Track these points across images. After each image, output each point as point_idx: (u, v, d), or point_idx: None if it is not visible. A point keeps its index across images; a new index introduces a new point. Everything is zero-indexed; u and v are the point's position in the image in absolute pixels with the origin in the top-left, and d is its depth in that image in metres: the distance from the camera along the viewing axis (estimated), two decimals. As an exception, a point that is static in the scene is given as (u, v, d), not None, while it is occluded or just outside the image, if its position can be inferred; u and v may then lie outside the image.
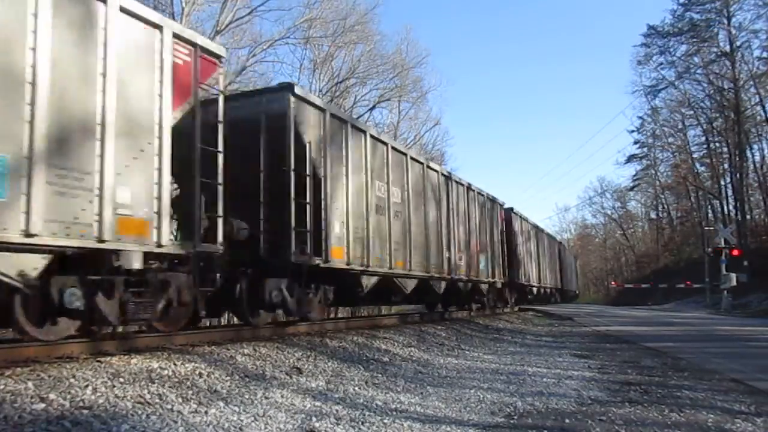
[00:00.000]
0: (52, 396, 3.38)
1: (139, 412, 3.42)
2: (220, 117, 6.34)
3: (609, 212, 64.26)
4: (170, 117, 5.65)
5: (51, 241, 4.42)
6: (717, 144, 39.25)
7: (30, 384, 3.51)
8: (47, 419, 3.03)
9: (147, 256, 5.29)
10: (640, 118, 46.97)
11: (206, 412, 3.67)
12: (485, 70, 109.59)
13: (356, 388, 4.99)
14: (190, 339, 6.10)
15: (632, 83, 71.83)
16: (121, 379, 3.96)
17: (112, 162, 4.93)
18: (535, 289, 23.55)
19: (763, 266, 26.85)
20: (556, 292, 30.12)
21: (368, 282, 9.14)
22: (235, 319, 9.15)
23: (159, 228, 5.37)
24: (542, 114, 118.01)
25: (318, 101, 8.31)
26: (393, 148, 10.26)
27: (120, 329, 5.71)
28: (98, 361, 4.41)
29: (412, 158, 11.02)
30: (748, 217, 35.54)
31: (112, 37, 5.02)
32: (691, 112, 39.96)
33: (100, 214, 4.78)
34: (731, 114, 34.20)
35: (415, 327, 10.17)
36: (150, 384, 4.00)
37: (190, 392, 4.04)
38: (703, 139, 40.70)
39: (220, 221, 6.16)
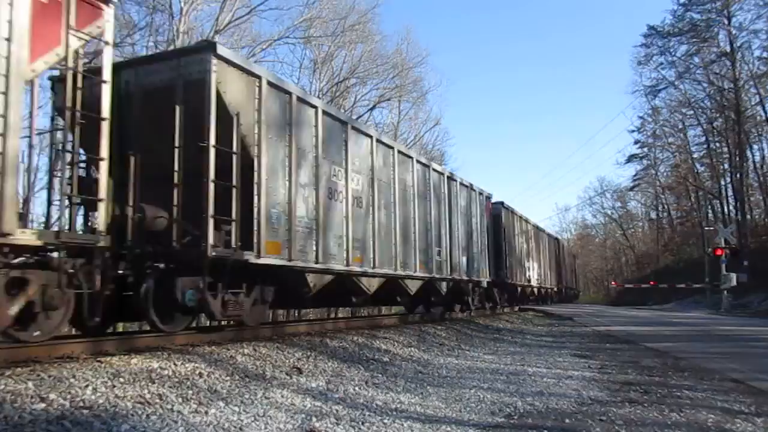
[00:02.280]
0: (52, 396, 3.38)
1: (139, 412, 3.42)
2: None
3: (609, 212, 64.23)
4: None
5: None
6: (717, 144, 39.22)
7: (30, 384, 3.51)
8: (47, 419, 3.03)
9: None
10: (641, 118, 46.95)
11: (206, 412, 3.67)
12: (485, 70, 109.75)
13: (356, 388, 4.99)
14: (190, 339, 6.11)
15: (632, 83, 71.85)
16: (121, 379, 3.96)
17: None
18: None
19: (763, 266, 26.84)
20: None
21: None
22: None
23: None
24: (542, 114, 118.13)
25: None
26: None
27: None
28: (98, 361, 4.41)
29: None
30: (748, 217, 35.50)
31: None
32: (691, 112, 39.93)
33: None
34: (731, 114, 34.16)
35: (415, 327, 10.17)
36: (150, 384, 4.00)
37: (190, 392, 4.04)
38: (703, 139, 40.68)
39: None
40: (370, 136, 9.50)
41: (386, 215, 9.83)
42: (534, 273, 22.67)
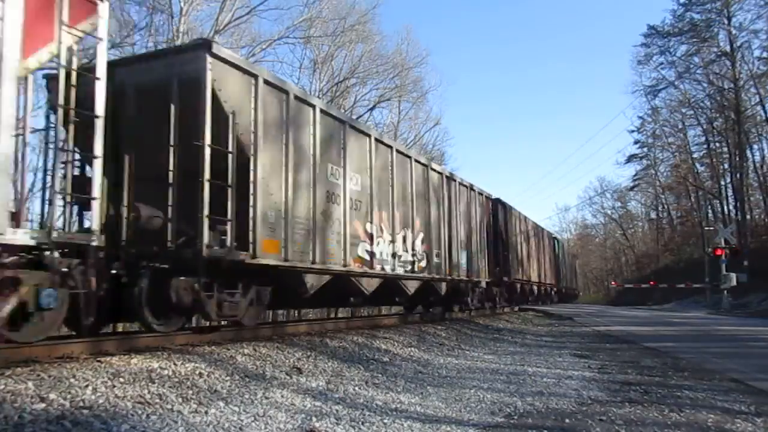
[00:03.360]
0: (52, 396, 3.38)
1: (139, 412, 3.42)
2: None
3: (609, 212, 64.22)
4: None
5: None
6: (717, 144, 39.24)
7: (30, 384, 3.51)
8: (47, 419, 3.03)
9: None
10: (640, 118, 46.94)
11: (206, 412, 3.67)
12: (485, 70, 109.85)
13: (356, 388, 4.99)
14: (191, 339, 6.11)
15: (632, 83, 71.83)
16: (121, 379, 3.96)
17: None
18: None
19: (763, 266, 26.83)
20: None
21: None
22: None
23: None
24: (542, 114, 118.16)
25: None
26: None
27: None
28: (98, 361, 4.41)
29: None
30: (748, 217, 35.49)
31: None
32: (691, 112, 39.94)
33: None
34: (731, 114, 34.15)
35: (415, 327, 10.17)
36: (150, 384, 4.00)
37: (190, 392, 4.04)
38: (703, 139, 40.70)
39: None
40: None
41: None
42: (407, 248, 10.65)
